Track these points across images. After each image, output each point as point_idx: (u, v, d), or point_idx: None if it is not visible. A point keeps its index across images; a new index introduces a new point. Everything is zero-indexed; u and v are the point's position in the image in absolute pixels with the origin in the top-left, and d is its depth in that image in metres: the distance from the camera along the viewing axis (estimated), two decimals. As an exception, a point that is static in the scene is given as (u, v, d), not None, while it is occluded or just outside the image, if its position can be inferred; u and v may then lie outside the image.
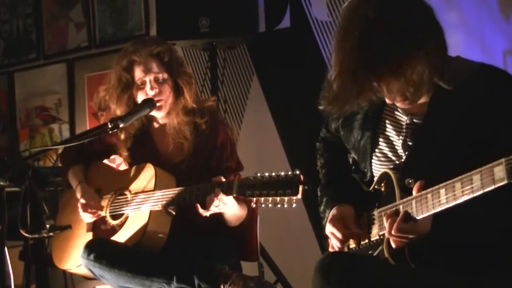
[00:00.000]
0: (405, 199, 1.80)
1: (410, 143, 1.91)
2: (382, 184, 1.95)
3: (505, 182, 1.48)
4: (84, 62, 4.74)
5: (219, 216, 2.55)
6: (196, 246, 2.61)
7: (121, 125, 2.54)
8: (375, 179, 1.99)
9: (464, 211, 1.64)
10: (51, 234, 2.48)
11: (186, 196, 2.52)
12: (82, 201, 2.73)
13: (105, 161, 3.00)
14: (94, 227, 2.77)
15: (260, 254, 2.85)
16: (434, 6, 1.82)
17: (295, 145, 3.84)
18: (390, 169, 1.93)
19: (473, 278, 1.70)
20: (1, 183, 2.38)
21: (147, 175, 2.67)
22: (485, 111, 1.76)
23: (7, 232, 2.42)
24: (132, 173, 2.75)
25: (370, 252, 1.94)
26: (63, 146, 3.01)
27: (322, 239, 2.24)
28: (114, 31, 4.59)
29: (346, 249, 2.06)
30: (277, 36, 3.88)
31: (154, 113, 2.73)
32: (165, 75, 2.70)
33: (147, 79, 2.68)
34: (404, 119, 1.94)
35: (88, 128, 4.51)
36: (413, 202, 1.76)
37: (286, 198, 2.24)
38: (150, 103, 2.66)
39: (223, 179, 2.44)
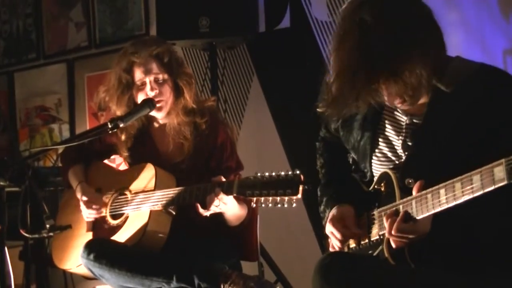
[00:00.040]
0: (405, 199, 1.80)
1: (409, 143, 1.91)
2: (382, 184, 1.95)
3: (505, 182, 1.48)
4: (84, 62, 4.73)
5: (219, 216, 2.55)
6: (196, 246, 2.61)
7: (121, 125, 2.54)
8: (375, 179, 1.99)
9: (464, 211, 1.64)
10: (51, 234, 2.48)
11: (186, 196, 2.52)
12: (84, 198, 2.73)
13: (105, 161, 3.01)
14: (94, 227, 2.77)
15: (260, 254, 2.85)
16: (434, 6, 1.82)
17: (295, 145, 3.83)
18: (390, 169, 1.93)
19: (473, 278, 1.70)
20: (1, 183, 2.38)
21: (147, 175, 2.67)
22: (485, 112, 1.76)
23: (7, 232, 2.42)
24: (132, 173, 2.75)
25: (370, 252, 1.94)
26: (63, 146, 3.01)
27: (322, 239, 2.25)
28: (114, 31, 4.58)
29: (346, 249, 2.06)
30: (277, 36, 3.88)
31: (154, 113, 2.73)
32: (165, 76, 2.70)
33: (147, 80, 2.68)
34: (403, 119, 1.94)
35: (88, 128, 4.51)
36: (413, 202, 1.76)
37: (286, 198, 2.25)
38: (150, 103, 2.66)
39: (223, 179, 2.45)
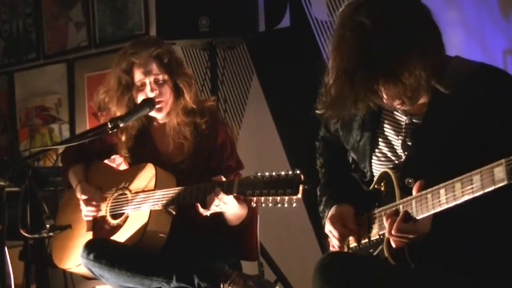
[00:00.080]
0: (405, 199, 1.80)
1: (409, 143, 1.91)
2: (382, 184, 1.95)
3: (505, 183, 1.48)
4: (84, 62, 4.73)
5: (219, 216, 2.55)
6: (196, 246, 2.61)
7: (121, 125, 2.54)
8: (375, 179, 1.99)
9: (464, 212, 1.64)
10: (51, 234, 2.48)
11: (187, 196, 2.52)
12: (84, 197, 2.73)
13: (105, 161, 3.01)
14: (94, 226, 2.77)
15: (260, 254, 2.85)
16: (434, 6, 1.83)
17: (295, 145, 3.84)
18: (390, 168, 1.93)
19: (473, 278, 1.70)
20: (1, 183, 2.38)
21: (148, 174, 2.67)
22: (485, 112, 1.76)
23: (7, 232, 2.42)
24: (132, 173, 2.75)
25: (370, 251, 1.95)
26: (63, 146, 3.01)
27: (322, 239, 2.25)
28: (114, 31, 4.58)
29: (346, 249, 2.06)
30: (277, 35, 3.88)
31: (154, 114, 2.73)
32: (165, 76, 2.70)
33: (147, 80, 2.68)
34: (403, 119, 1.94)
35: (88, 128, 4.51)
36: (413, 202, 1.76)
37: (286, 198, 2.25)
38: (149, 102, 2.66)
39: (224, 179, 2.45)
